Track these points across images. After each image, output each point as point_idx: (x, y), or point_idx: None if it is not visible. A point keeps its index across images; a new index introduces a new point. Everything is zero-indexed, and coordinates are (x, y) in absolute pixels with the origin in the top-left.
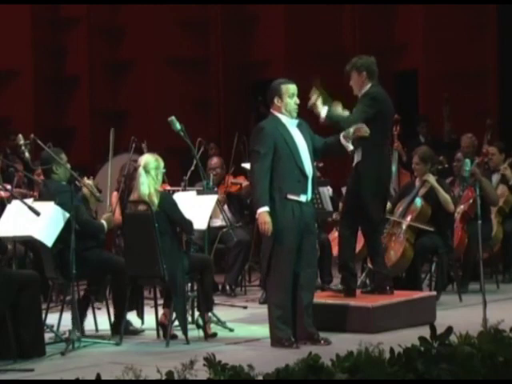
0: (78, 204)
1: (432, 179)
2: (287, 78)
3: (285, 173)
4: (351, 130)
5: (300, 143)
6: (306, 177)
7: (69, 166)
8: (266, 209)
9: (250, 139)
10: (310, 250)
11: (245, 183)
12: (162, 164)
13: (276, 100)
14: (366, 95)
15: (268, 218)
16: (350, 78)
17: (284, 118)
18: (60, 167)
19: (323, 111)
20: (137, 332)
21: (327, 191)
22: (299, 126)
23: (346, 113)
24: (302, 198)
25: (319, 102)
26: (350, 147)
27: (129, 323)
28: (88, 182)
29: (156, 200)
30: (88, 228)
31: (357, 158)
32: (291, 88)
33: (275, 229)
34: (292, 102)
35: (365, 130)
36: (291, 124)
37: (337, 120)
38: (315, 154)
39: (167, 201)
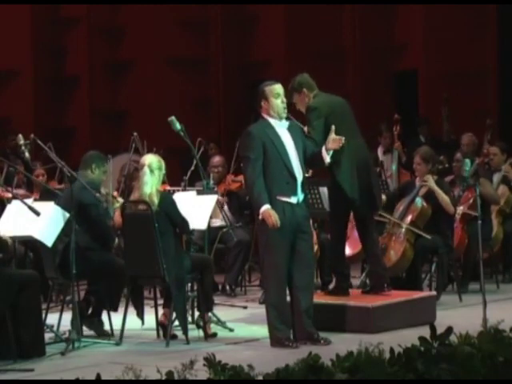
0: (97, 203)
1: (431, 182)
2: (287, 78)
3: (274, 175)
4: (328, 140)
5: (289, 145)
6: (295, 178)
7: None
8: (267, 206)
9: (238, 144)
10: (306, 250)
11: None
12: (164, 165)
13: (263, 103)
14: (306, 111)
15: (272, 211)
16: (294, 104)
17: (273, 121)
18: (99, 170)
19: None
20: (107, 335)
21: (327, 191)
22: (290, 128)
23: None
24: (293, 200)
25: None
26: (327, 160)
27: (101, 323)
28: (119, 198)
29: (156, 200)
30: (101, 227)
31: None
32: (276, 88)
33: (267, 229)
34: (279, 102)
35: (337, 142)
36: (280, 126)
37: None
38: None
39: (167, 200)
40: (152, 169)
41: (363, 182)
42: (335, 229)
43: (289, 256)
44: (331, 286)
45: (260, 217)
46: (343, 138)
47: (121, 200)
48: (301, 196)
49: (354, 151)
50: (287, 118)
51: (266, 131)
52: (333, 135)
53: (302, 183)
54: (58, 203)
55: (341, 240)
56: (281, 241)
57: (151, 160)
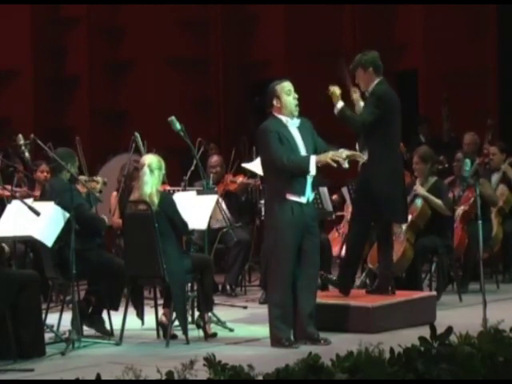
0: (81, 202)
1: (421, 190)
2: (287, 78)
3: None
4: (347, 154)
5: (300, 144)
6: (305, 177)
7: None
8: (313, 157)
9: (257, 143)
10: (312, 250)
11: (239, 181)
12: (164, 165)
13: (275, 102)
14: (372, 94)
15: (327, 155)
16: (355, 76)
17: (285, 119)
18: (73, 166)
19: (339, 104)
20: (107, 333)
21: (327, 191)
22: (301, 126)
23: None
24: (302, 200)
25: (339, 94)
26: (346, 165)
27: (102, 321)
28: (97, 178)
29: (156, 200)
30: (93, 224)
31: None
32: (286, 85)
33: (274, 228)
34: (290, 99)
35: (359, 156)
36: (292, 124)
37: (347, 117)
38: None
39: (166, 201)
40: (152, 169)
41: (398, 194)
42: (358, 228)
43: (295, 256)
44: (329, 275)
45: (314, 171)
46: (365, 159)
47: (99, 179)
48: (310, 195)
49: (395, 161)
50: (298, 116)
51: (280, 129)
52: (352, 152)
53: (312, 182)
54: (43, 198)
55: (364, 240)
56: (289, 240)
57: (151, 160)
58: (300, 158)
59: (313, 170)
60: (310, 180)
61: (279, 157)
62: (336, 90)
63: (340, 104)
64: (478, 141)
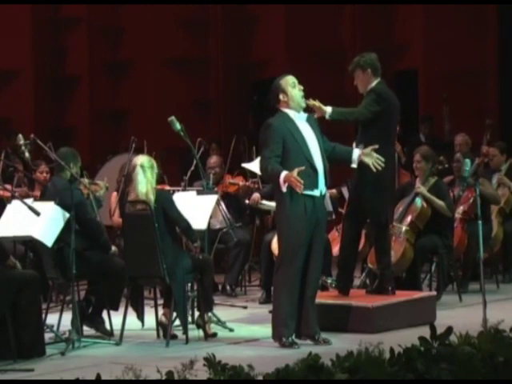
0: (83, 201)
1: (423, 190)
2: None
3: (295, 168)
4: (368, 154)
5: (309, 137)
6: (316, 171)
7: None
8: (284, 172)
9: (259, 136)
10: (319, 246)
11: (242, 183)
12: (155, 164)
13: (281, 96)
14: (371, 91)
15: (290, 174)
16: (353, 78)
17: (292, 113)
18: (75, 166)
19: (328, 108)
20: (107, 333)
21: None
22: (308, 121)
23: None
24: (316, 193)
25: (319, 103)
26: (355, 165)
27: (102, 321)
28: (100, 182)
29: (153, 197)
30: (92, 226)
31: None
32: (290, 79)
33: (286, 225)
34: (296, 91)
35: (373, 158)
36: (299, 118)
37: (343, 113)
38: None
39: (163, 197)
40: (144, 168)
41: (386, 194)
42: (352, 229)
43: (305, 252)
44: (329, 278)
45: (284, 188)
46: (381, 163)
47: (102, 183)
48: (323, 188)
49: (388, 160)
50: (305, 110)
51: (286, 124)
52: (370, 151)
53: (324, 175)
54: (43, 198)
55: (357, 241)
56: (301, 238)
57: (142, 160)
58: (273, 171)
59: (283, 188)
60: (321, 172)
61: (263, 163)
62: (314, 101)
63: (329, 107)
64: (470, 141)
